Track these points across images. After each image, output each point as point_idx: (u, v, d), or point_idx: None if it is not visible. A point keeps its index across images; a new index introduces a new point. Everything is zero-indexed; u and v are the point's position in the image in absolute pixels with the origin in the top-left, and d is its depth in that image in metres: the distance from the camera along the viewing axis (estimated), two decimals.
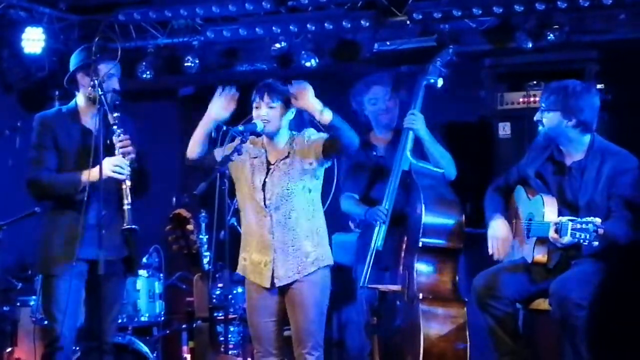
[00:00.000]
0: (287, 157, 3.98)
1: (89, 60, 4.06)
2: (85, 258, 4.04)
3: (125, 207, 3.96)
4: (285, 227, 3.94)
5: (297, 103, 3.91)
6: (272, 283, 3.95)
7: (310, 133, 4.01)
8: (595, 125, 4.18)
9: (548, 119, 4.15)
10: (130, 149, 4.01)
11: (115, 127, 3.99)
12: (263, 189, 3.96)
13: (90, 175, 3.96)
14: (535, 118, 4.24)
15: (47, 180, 4.06)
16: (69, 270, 4.01)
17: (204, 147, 3.97)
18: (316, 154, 3.95)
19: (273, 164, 3.99)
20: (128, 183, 3.99)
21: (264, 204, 3.95)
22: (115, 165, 3.97)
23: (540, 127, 4.22)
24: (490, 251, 4.26)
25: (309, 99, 3.87)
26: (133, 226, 3.95)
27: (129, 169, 3.99)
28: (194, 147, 3.97)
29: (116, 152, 4.00)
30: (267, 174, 3.98)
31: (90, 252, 3.99)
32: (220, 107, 3.95)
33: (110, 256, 3.98)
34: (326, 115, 3.84)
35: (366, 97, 4.70)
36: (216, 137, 3.95)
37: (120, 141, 3.99)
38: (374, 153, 4.72)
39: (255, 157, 4.04)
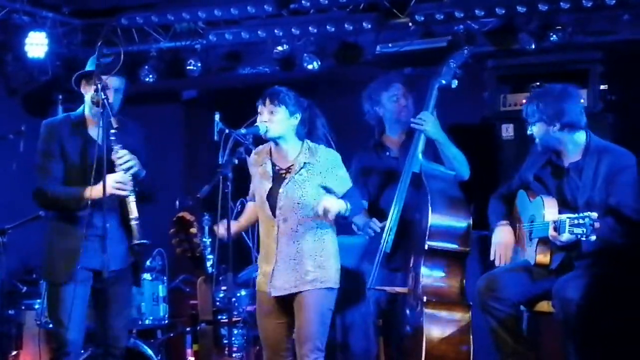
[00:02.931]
0: (302, 168, 3.96)
1: (92, 68, 4.04)
2: (89, 267, 4.04)
3: (133, 222, 3.95)
4: (291, 240, 3.93)
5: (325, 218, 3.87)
6: (270, 292, 3.96)
7: (339, 170, 3.98)
8: (584, 122, 4.17)
9: (535, 131, 4.18)
10: (130, 163, 3.98)
11: (112, 144, 3.95)
12: (268, 199, 3.96)
13: (93, 192, 3.94)
14: (528, 132, 4.25)
15: (51, 194, 4.06)
16: (73, 277, 4.01)
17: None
18: (336, 192, 3.96)
19: (285, 173, 3.97)
20: (132, 198, 3.97)
21: (272, 213, 3.95)
22: (117, 182, 3.95)
23: (535, 139, 4.22)
24: (492, 257, 4.28)
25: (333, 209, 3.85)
26: (143, 241, 3.94)
27: (131, 183, 3.97)
28: None
29: (116, 168, 3.97)
30: (273, 182, 3.97)
31: (94, 262, 3.98)
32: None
33: (114, 267, 3.99)
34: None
35: (386, 95, 4.66)
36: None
37: (119, 157, 3.97)
38: (387, 154, 4.71)
39: (260, 166, 4.04)
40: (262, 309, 4.06)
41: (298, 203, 3.92)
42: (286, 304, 3.98)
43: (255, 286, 4.13)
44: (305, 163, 3.96)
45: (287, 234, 3.93)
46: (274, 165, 4.01)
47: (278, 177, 3.98)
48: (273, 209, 3.95)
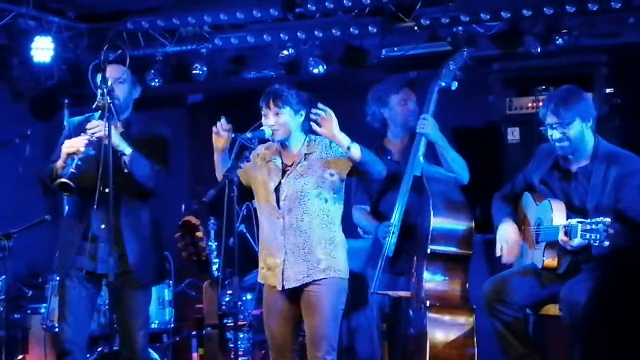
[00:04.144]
0: (304, 159, 3.98)
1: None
2: (80, 268, 4.11)
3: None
4: (298, 230, 3.94)
5: (321, 131, 3.88)
6: (283, 285, 3.95)
7: (338, 146, 3.98)
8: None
9: (572, 132, 4.06)
10: (98, 128, 3.96)
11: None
12: (277, 192, 3.97)
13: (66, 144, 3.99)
14: (554, 137, 4.09)
15: (47, 166, 4.10)
16: (70, 278, 4.11)
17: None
18: (340, 169, 3.96)
19: (289, 167, 3.99)
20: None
21: (277, 205, 3.95)
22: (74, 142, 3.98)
23: (565, 143, 4.07)
24: (498, 253, 4.24)
25: (333, 129, 3.86)
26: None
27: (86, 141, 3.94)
28: (219, 172, 3.99)
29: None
30: (282, 176, 3.99)
31: (87, 264, 4.08)
32: (220, 139, 3.96)
33: (102, 270, 4.04)
34: (354, 151, 3.87)
35: (396, 98, 4.65)
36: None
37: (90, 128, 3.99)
38: (389, 158, 4.70)
39: (269, 161, 4.05)
40: (269, 305, 4.04)
41: (301, 191, 3.93)
42: (296, 297, 3.96)
43: (261, 283, 4.11)
44: (305, 154, 3.98)
45: (293, 225, 3.93)
46: (282, 161, 4.02)
47: (284, 172, 3.99)
48: (278, 201, 3.96)
